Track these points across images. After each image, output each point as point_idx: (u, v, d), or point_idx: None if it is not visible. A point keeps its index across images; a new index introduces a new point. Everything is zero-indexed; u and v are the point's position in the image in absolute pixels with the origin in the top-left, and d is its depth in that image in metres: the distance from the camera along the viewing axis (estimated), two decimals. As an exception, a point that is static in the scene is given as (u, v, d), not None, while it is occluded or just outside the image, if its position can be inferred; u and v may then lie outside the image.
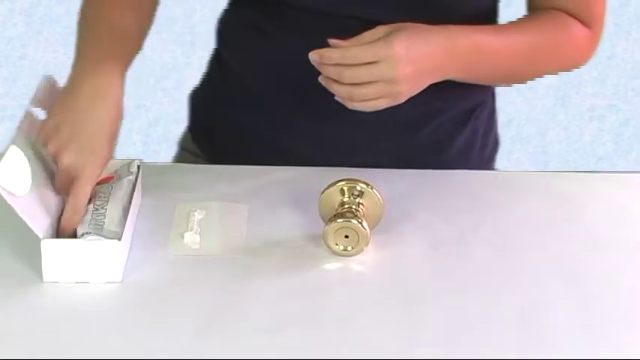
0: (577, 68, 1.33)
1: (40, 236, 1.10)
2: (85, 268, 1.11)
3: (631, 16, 3.21)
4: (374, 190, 1.19)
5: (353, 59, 1.14)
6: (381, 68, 1.14)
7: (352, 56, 1.14)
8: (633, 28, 3.20)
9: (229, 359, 1.02)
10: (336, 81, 1.16)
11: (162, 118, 2.98)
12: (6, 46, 3.07)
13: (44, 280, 1.11)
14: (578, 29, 1.29)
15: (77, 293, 1.10)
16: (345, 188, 1.19)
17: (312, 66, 1.17)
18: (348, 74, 1.14)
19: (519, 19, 1.30)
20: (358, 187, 1.19)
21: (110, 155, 1.18)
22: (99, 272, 1.11)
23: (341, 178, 1.19)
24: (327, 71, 1.15)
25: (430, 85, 1.21)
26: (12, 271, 1.13)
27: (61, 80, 1.23)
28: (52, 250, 1.10)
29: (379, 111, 1.20)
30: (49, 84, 1.22)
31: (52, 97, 1.20)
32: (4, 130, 2.93)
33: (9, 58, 3.06)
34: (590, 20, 1.30)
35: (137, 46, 1.29)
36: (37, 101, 1.18)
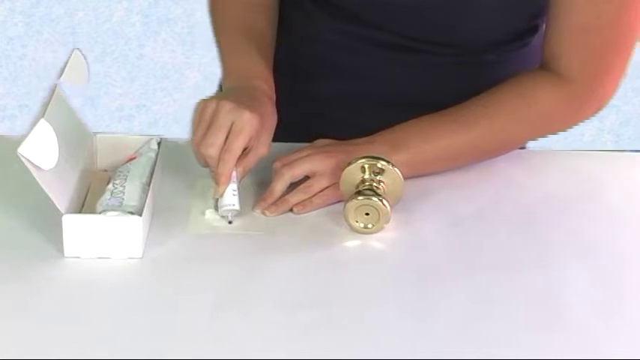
0: (574, 126, 1.34)
1: (63, 211, 1.10)
2: (106, 243, 1.11)
3: (630, 17, 3.21)
4: (394, 168, 1.19)
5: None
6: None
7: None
8: (632, 29, 3.21)
9: (247, 335, 1.01)
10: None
11: (162, 118, 2.96)
12: (6, 46, 3.05)
13: (65, 255, 1.11)
14: (546, 101, 1.29)
15: (98, 268, 1.10)
16: (366, 166, 1.19)
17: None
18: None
19: (485, 99, 1.29)
20: (379, 165, 1.19)
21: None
22: (120, 248, 1.11)
23: (362, 155, 1.19)
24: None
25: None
26: (33, 246, 1.13)
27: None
28: (74, 225, 1.10)
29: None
30: (77, 58, 1.21)
31: (79, 70, 1.20)
32: (5, 130, 2.92)
33: (9, 58, 3.05)
34: (584, 78, 1.32)
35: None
36: (65, 75, 1.17)
